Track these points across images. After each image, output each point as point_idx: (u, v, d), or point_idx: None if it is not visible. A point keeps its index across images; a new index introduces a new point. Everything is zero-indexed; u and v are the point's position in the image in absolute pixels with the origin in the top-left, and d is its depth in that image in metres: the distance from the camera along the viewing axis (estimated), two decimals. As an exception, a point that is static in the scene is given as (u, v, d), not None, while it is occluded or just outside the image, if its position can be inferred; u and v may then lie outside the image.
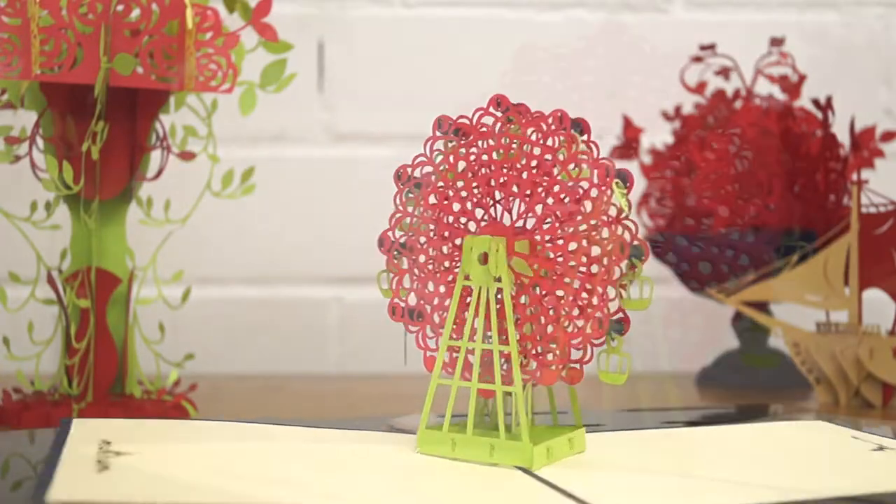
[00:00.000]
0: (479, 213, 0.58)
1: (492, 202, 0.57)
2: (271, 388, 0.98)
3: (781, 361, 0.96)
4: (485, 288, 0.55)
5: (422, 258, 0.58)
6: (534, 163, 0.56)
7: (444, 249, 0.57)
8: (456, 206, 0.57)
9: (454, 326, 0.56)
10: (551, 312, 0.55)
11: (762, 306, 0.92)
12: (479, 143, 0.57)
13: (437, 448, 0.57)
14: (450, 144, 0.58)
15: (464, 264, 0.56)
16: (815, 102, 0.91)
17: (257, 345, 1.12)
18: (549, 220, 0.55)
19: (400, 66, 1.13)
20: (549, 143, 0.56)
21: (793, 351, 0.83)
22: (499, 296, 0.56)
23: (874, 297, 0.83)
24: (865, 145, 0.94)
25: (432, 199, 0.58)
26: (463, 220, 0.58)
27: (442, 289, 0.57)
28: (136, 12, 0.69)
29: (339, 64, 1.13)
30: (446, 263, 0.57)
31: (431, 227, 0.57)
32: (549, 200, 0.55)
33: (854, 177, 0.83)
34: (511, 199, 0.56)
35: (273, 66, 0.75)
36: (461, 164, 0.58)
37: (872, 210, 0.82)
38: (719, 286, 0.86)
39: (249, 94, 0.75)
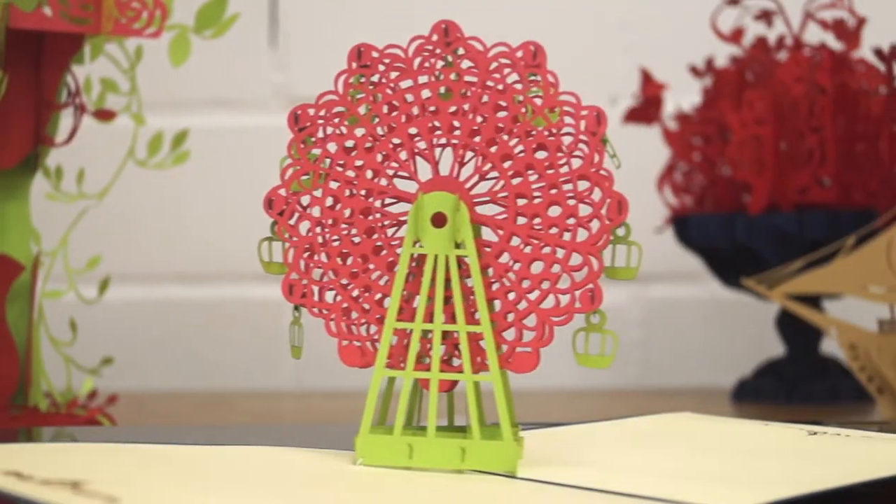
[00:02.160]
0: (416, 166, 0.57)
1: (439, 153, 0.57)
2: (209, 404, 1.01)
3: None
4: (442, 256, 0.56)
5: (334, 223, 0.57)
6: (503, 103, 0.56)
7: (368, 212, 0.57)
8: (380, 158, 0.57)
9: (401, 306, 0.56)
10: (525, 285, 0.56)
11: (813, 301, 0.94)
12: (418, 79, 0.57)
13: (385, 456, 0.56)
14: (374, 79, 0.57)
15: (411, 228, 0.56)
16: (878, 53, 0.92)
17: (194, 355, 1.15)
18: (519, 177, 0.56)
19: (372, 14, 1.15)
20: (513, 81, 0.56)
21: (849, 355, 0.84)
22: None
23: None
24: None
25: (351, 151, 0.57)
26: (392, 173, 0.57)
27: (365, 260, 0.57)
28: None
29: (297, 12, 1.15)
30: (371, 228, 0.57)
31: (354, 182, 0.57)
32: (520, 151, 0.56)
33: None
34: (464, 149, 0.56)
35: (211, 4, 0.77)
36: (389, 105, 0.57)
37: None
38: (759, 276, 0.88)
39: (182, 41, 0.78)
